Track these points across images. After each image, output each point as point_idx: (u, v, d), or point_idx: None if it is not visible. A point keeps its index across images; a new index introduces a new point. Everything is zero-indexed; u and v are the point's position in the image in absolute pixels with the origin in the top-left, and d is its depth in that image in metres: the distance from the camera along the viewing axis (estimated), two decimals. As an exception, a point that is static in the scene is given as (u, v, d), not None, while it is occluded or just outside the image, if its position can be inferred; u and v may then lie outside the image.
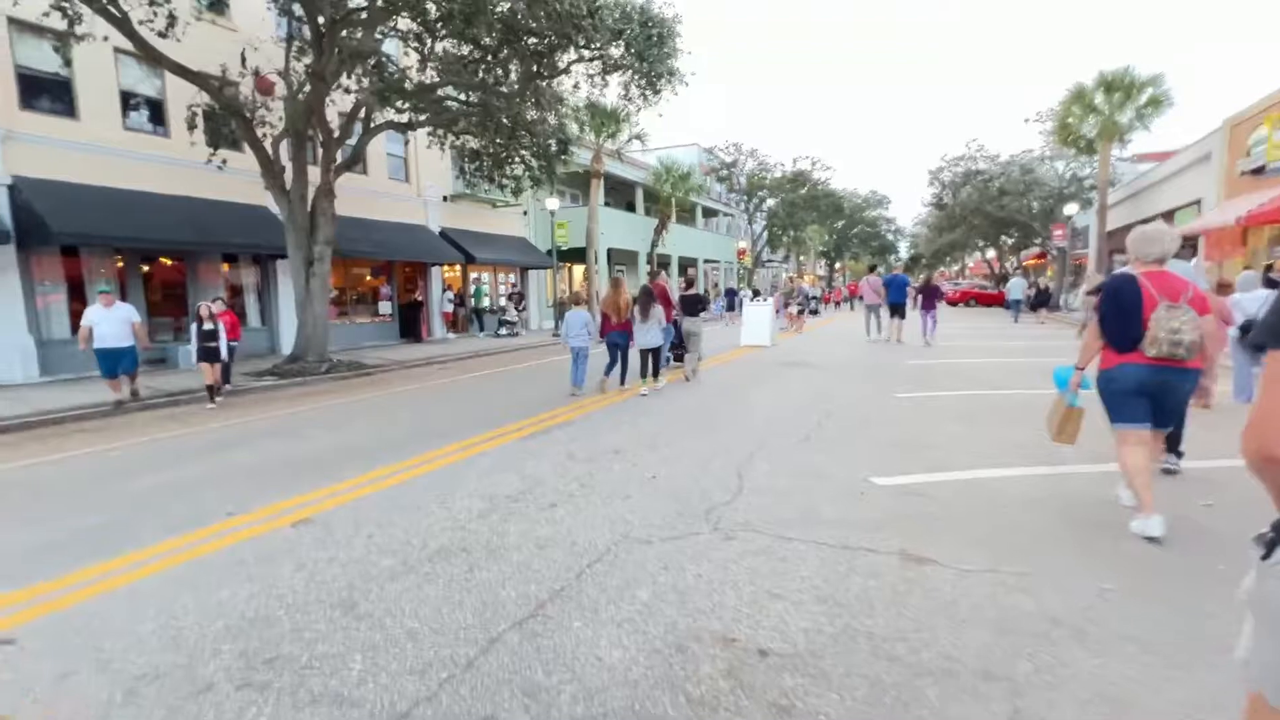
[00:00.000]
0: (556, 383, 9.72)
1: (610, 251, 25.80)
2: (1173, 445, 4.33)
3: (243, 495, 4.36)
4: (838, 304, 36.40)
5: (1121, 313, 3.40)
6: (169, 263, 13.60)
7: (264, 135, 11.86)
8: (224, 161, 11.22)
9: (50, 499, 4.54)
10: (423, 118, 13.14)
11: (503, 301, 20.13)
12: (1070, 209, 26.80)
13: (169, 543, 3.55)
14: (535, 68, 11.40)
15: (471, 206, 20.46)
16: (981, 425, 5.94)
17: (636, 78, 11.60)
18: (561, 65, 11.79)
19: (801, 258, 55.57)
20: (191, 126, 11.35)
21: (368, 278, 18.26)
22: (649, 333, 8.21)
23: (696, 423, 6.33)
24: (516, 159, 15.03)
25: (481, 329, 20.20)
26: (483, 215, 21.00)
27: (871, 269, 20.01)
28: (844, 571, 2.99)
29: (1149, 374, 3.37)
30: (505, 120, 13.19)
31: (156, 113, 12.60)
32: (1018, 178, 28.81)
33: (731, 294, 25.66)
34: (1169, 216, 24.66)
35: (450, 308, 19.27)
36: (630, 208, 28.67)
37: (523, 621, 2.58)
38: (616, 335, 8.38)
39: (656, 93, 11.72)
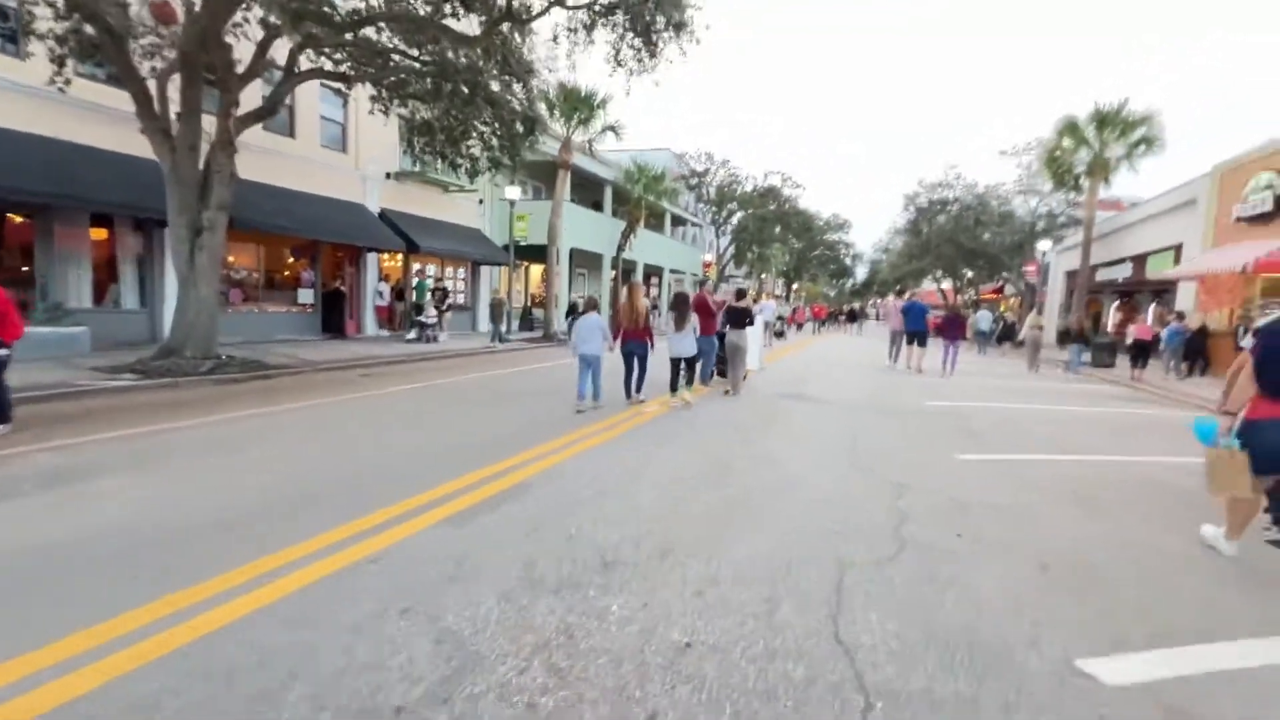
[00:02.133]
0: (524, 403, 7.54)
1: (573, 252, 23.64)
2: None
3: None
4: (800, 326, 35.27)
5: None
6: (18, 219, 10.67)
7: (153, 70, 9.26)
8: (67, 82, 8.49)
9: None
10: (362, 71, 10.76)
11: (427, 297, 16.70)
12: (1044, 245, 26.42)
13: None
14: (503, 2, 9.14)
15: (419, 188, 17.96)
16: (1127, 519, 4.17)
17: (631, 34, 9.45)
18: (536, 7, 9.54)
19: (764, 275, 54.75)
20: (58, 45, 8.58)
21: (289, 259, 15.51)
22: (683, 341, 7.90)
23: (724, 502, 4.31)
24: (475, 135, 12.80)
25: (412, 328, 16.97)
26: (432, 199, 18.51)
27: (899, 293, 19.33)
28: None
29: None
30: (463, 86, 10.99)
31: (2, 22, 9.75)
32: (994, 209, 28.37)
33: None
34: (1141, 260, 24.51)
35: (386, 301, 16.68)
36: (597, 207, 26.60)
37: None
38: (634, 344, 7.81)
39: (654, 55, 9.59)
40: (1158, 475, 5.30)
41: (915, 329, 14.06)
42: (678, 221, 38.09)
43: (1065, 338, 18.12)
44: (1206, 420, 3.66)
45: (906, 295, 17.35)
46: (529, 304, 24.35)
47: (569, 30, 9.99)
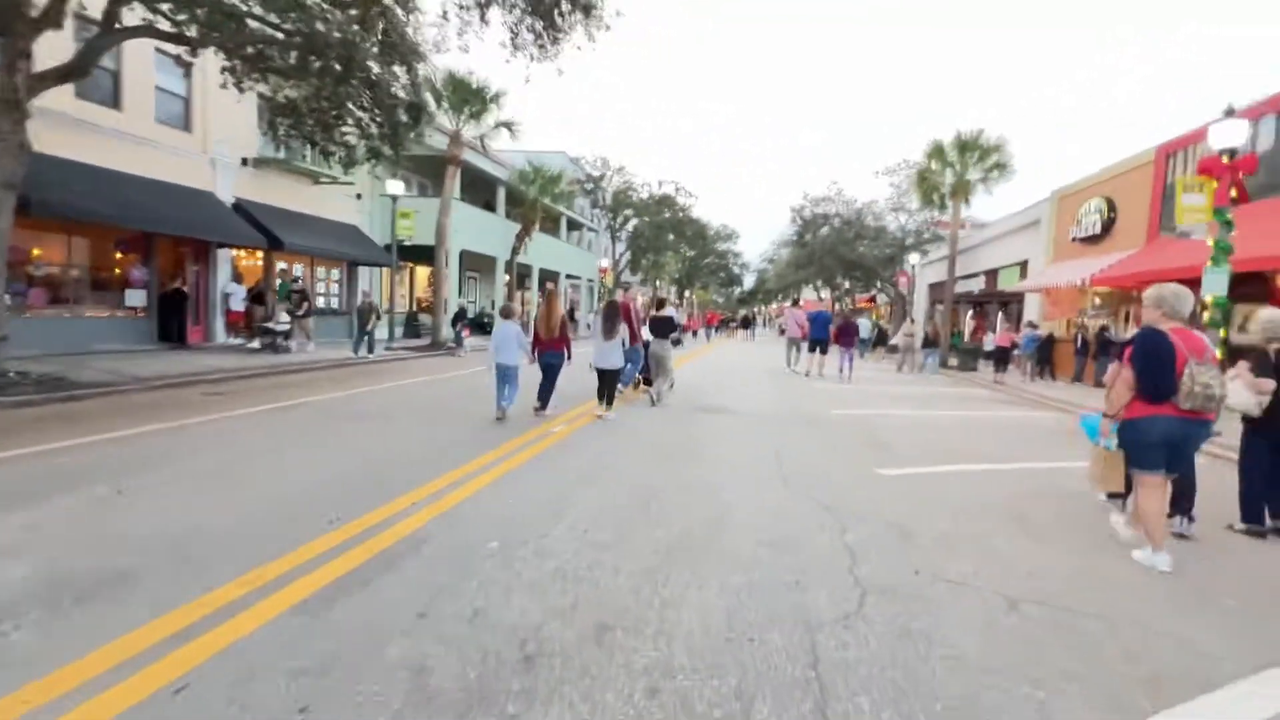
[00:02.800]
0: (412, 426, 6.49)
1: (464, 254, 22.21)
2: (1187, 508, 4.16)
3: None
4: (695, 333, 35.83)
5: (1160, 366, 3.53)
6: None
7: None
8: None
9: None
10: (208, 36, 9.11)
11: (273, 299, 14.65)
12: (913, 258, 28.67)
13: None
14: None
15: (284, 177, 15.91)
16: (1069, 541, 4.08)
17: (531, 17, 8.62)
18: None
19: (659, 281, 55.38)
20: None
21: (116, 254, 13.02)
22: (611, 353, 7.58)
23: (662, 548, 3.72)
24: (351, 122, 11.44)
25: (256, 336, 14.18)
26: (300, 190, 16.48)
27: (795, 302, 20.37)
28: None
29: (1178, 426, 3.57)
30: (336, 63, 9.70)
31: None
32: (871, 224, 30.40)
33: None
34: (994, 275, 27.25)
35: (242, 306, 14.53)
36: (490, 207, 25.26)
37: None
38: (551, 355, 7.53)
39: (556, 40, 8.84)
40: (1068, 485, 5.41)
41: (819, 337, 14.73)
42: (574, 226, 37.37)
43: (925, 343, 19.86)
44: (1093, 418, 4.05)
45: (803, 304, 18.06)
46: (414, 309, 22.55)
47: (460, 7, 9.00)
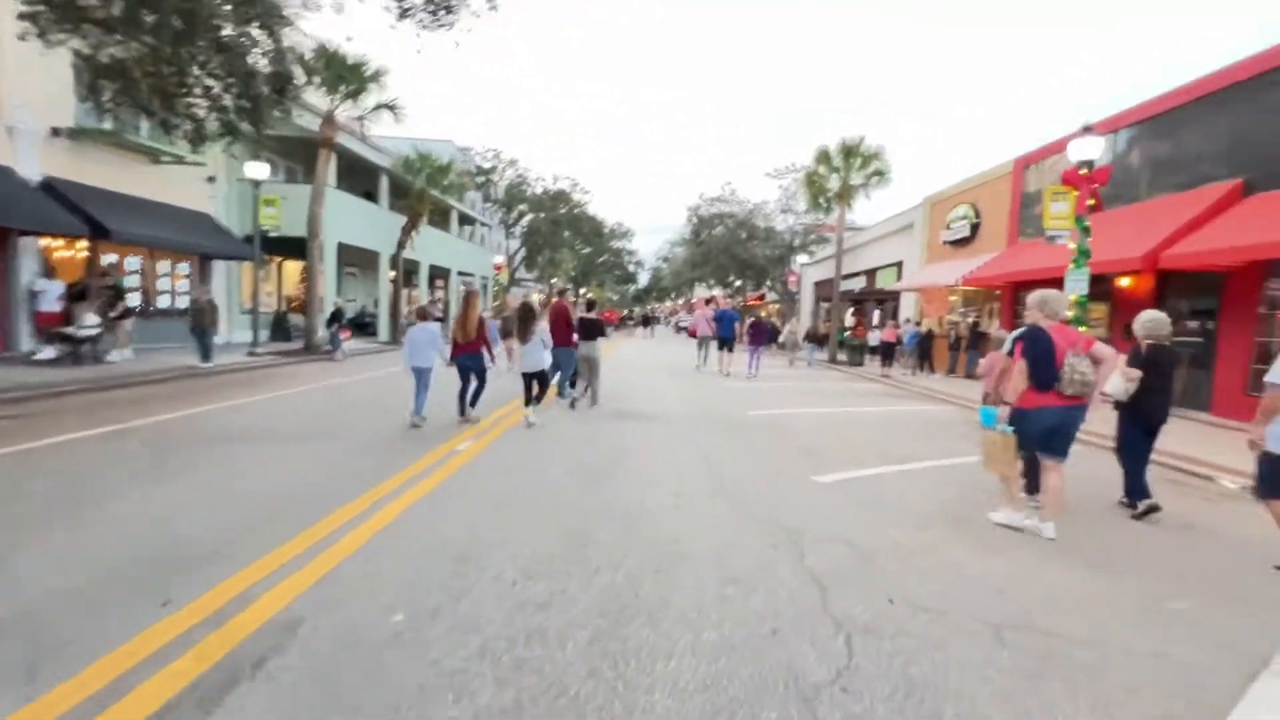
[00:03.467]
0: (282, 453, 5.38)
1: (342, 248, 20.15)
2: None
3: None
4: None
5: (1046, 358, 4.01)
6: None
7: None
8: None
9: None
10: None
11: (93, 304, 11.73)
12: (802, 259, 30.06)
13: None
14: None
15: (112, 153, 13.42)
16: (1018, 553, 3.99)
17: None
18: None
19: (554, 279, 54.26)
20: None
21: None
22: (532, 354, 7.36)
23: (610, 606, 3.14)
24: (199, 91, 9.79)
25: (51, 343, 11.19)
26: (134, 170, 13.99)
27: (708, 301, 20.61)
28: None
29: (1062, 413, 4.09)
30: (176, 18, 8.21)
31: None
32: (761, 225, 31.47)
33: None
34: (872, 274, 29.14)
35: (59, 306, 12.03)
36: (371, 198, 23.15)
37: None
38: (465, 358, 7.30)
39: (450, 7, 7.86)
40: (987, 482, 5.48)
41: (726, 336, 14.89)
42: (465, 220, 35.47)
43: (808, 338, 21.03)
44: (990, 407, 4.47)
45: (713, 304, 18.22)
46: (284, 309, 20.13)
47: (334, -37, 7.81)
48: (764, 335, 15.69)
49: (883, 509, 4.67)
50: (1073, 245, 10.15)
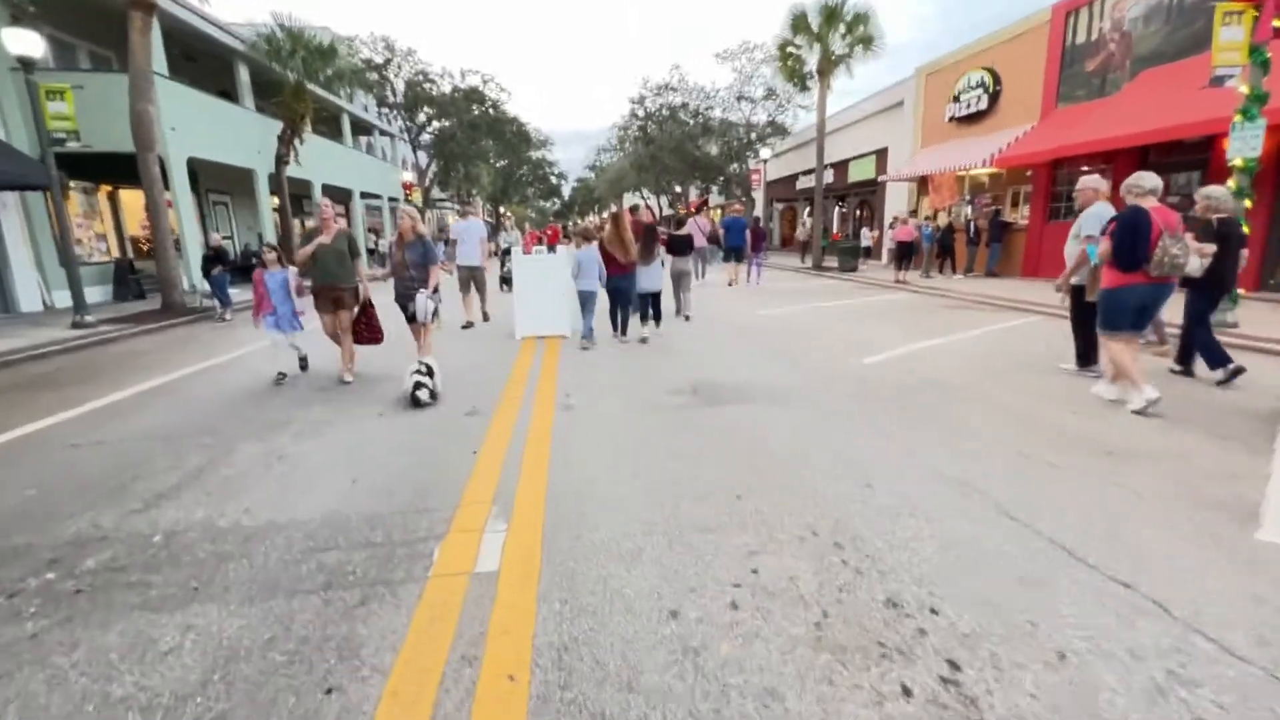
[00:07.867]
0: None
1: (198, 166, 14.97)
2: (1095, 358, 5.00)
3: None
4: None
5: (1140, 239, 4.16)
6: None
7: None
8: None
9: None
10: None
11: None
12: (764, 153, 26.58)
13: None
14: None
15: None
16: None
17: None
18: None
19: (474, 195, 47.94)
20: None
21: None
22: (651, 274, 7.52)
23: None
24: None
25: None
26: None
27: (698, 209, 19.69)
28: None
29: (1150, 292, 4.31)
30: None
31: None
32: (718, 116, 27.46)
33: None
34: (844, 165, 26.19)
35: None
36: (229, 97, 17.45)
37: None
38: (621, 279, 7.34)
39: None
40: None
41: (735, 245, 13.85)
42: (361, 130, 29.32)
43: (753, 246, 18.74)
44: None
45: (701, 213, 15.55)
46: (127, 256, 14.98)
47: None
48: (761, 241, 13.95)
49: None
50: (1243, 89, 7.48)
